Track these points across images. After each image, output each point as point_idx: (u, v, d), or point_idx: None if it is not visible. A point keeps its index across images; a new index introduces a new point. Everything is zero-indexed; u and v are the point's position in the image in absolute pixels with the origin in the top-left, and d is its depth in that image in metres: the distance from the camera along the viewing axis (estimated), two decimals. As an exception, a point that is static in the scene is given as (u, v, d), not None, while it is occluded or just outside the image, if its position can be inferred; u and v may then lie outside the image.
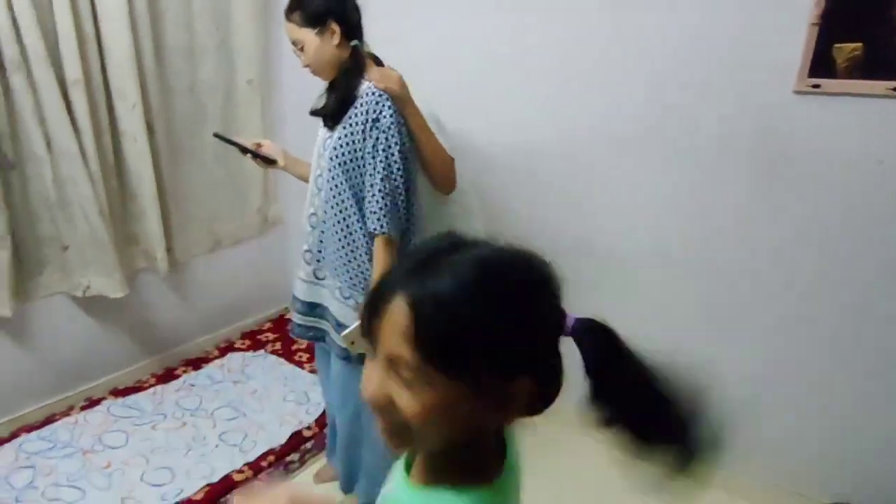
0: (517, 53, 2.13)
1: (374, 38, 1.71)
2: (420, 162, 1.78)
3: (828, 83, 1.65)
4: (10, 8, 1.92)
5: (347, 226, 1.66)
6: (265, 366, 2.79)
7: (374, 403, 0.61)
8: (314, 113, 1.74)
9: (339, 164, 1.62)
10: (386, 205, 1.58)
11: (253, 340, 3.01)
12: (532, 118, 2.17)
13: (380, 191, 1.58)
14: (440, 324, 0.56)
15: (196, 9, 2.49)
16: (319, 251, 1.75)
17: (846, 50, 1.63)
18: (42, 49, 1.99)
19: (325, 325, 1.83)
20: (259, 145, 1.86)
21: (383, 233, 1.59)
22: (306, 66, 1.64)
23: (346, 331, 1.67)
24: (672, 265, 2.06)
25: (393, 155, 1.59)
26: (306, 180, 1.86)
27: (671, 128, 1.92)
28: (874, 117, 1.63)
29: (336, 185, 1.64)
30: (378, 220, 1.59)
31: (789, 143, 1.74)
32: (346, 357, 1.77)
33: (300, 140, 1.96)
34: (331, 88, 1.70)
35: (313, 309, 1.82)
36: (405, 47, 1.89)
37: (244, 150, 1.83)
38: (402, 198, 1.63)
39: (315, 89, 1.75)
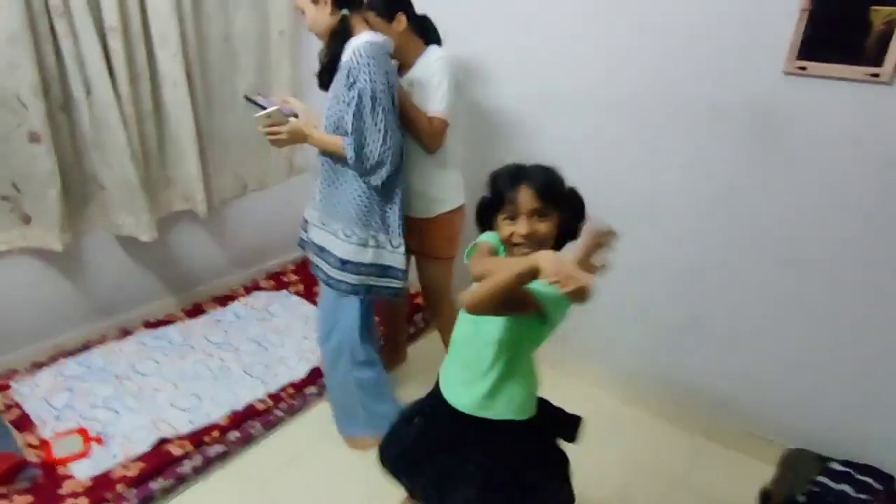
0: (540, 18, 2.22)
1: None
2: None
3: (813, 66, 1.75)
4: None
5: (338, 177, 1.85)
6: (287, 305, 2.89)
7: (530, 235, 1.25)
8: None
9: (331, 129, 1.80)
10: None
11: (277, 281, 3.12)
12: (537, 76, 2.28)
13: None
14: (551, 190, 1.27)
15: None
16: (320, 201, 1.93)
17: (882, 13, 1.62)
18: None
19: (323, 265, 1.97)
20: (286, 101, 1.95)
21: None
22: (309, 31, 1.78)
23: (261, 112, 1.77)
24: (660, 226, 2.16)
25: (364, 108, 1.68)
26: None
27: (669, 98, 2.01)
28: (853, 100, 1.71)
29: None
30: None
31: (778, 119, 1.85)
32: (329, 283, 1.93)
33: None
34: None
35: (322, 251, 1.97)
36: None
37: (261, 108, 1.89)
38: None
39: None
